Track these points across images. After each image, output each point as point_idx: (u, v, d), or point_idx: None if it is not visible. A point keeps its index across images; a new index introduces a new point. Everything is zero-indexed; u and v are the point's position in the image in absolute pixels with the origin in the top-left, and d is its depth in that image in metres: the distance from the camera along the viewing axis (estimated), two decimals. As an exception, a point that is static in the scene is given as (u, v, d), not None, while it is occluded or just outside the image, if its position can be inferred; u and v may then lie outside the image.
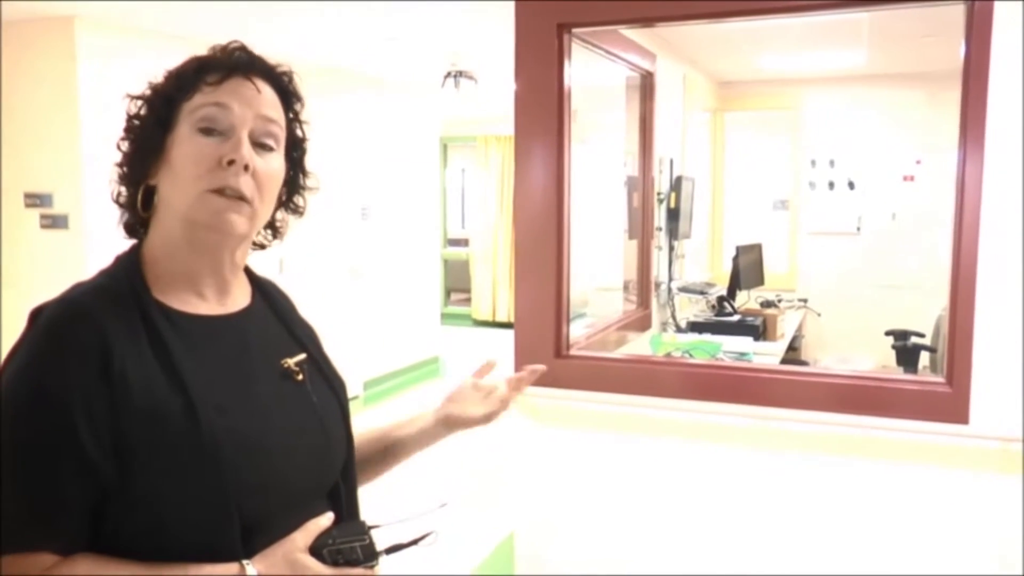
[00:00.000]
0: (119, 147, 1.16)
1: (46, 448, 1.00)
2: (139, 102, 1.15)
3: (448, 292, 11.31)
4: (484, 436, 5.67)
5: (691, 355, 3.40)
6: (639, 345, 3.81)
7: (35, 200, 4.64)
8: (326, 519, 1.14)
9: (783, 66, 5.43)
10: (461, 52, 5.68)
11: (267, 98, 1.20)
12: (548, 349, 2.71)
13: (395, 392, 7.34)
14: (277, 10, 4.44)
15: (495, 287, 10.50)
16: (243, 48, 1.21)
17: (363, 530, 1.13)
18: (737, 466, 2.45)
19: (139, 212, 1.15)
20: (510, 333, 2.78)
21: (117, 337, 1.04)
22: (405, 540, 1.18)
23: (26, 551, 0.99)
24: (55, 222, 4.53)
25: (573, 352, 2.77)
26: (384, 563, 1.18)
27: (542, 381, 2.68)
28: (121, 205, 1.18)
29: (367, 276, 7.21)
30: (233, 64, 1.17)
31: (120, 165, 1.16)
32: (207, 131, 1.11)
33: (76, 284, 1.12)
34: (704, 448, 2.49)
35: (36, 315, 1.07)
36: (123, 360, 1.03)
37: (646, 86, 3.89)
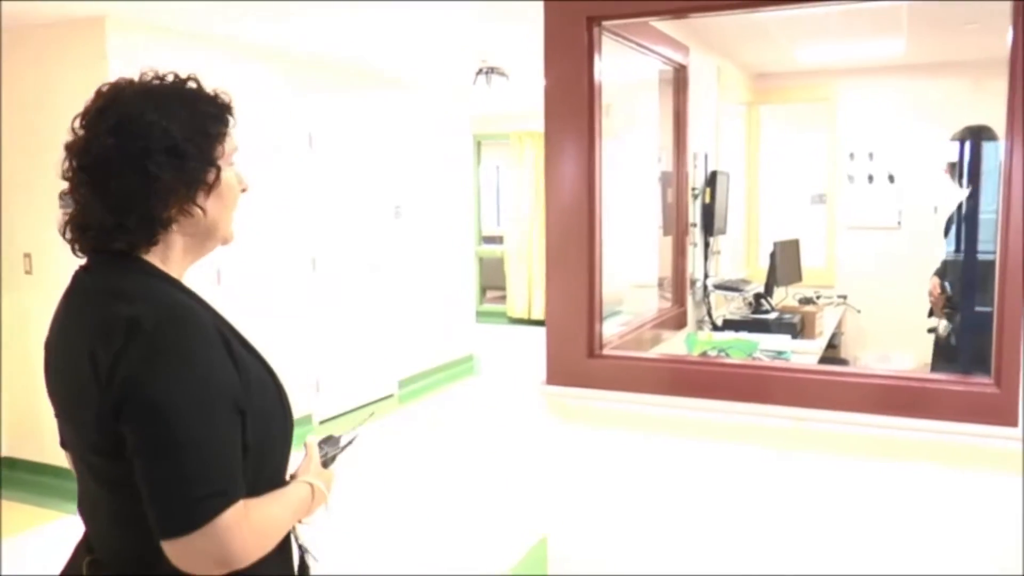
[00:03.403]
0: (136, 175, 1.26)
1: (227, 417, 1.24)
2: (183, 138, 1.29)
3: (483, 290, 11.32)
4: (515, 437, 5.71)
5: (727, 354, 3.35)
6: (674, 344, 3.76)
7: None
8: (313, 440, 1.55)
9: (819, 57, 5.33)
10: (492, 49, 5.66)
11: None
12: (580, 349, 2.68)
13: (430, 391, 7.35)
14: (308, 10, 4.45)
15: (530, 284, 10.48)
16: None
17: (336, 443, 1.61)
18: (773, 469, 2.40)
19: (159, 228, 1.31)
20: (544, 331, 2.76)
21: (214, 324, 1.30)
22: (349, 441, 1.62)
23: (235, 501, 1.22)
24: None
25: (606, 352, 2.74)
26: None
27: (574, 381, 2.70)
28: (126, 225, 1.28)
29: (400, 275, 7.22)
30: (230, 109, 1.40)
31: (160, 192, 1.27)
32: (231, 163, 1.38)
33: (128, 288, 1.28)
34: (740, 450, 2.45)
35: (136, 324, 1.22)
36: (228, 341, 1.30)
37: (679, 79, 3.84)
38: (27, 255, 4.97)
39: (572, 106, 2.61)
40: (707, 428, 2.48)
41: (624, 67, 3.54)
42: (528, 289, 10.53)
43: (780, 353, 3.60)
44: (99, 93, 1.33)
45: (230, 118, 1.38)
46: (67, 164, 1.32)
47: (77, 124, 1.32)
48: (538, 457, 3.69)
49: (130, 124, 1.27)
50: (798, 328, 4.29)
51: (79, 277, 1.35)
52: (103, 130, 1.28)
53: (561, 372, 2.71)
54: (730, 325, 4.25)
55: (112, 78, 1.34)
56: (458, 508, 4.62)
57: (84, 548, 1.39)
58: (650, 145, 4.18)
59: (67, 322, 1.33)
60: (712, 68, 4.57)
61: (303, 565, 1.55)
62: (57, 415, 1.39)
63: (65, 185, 1.36)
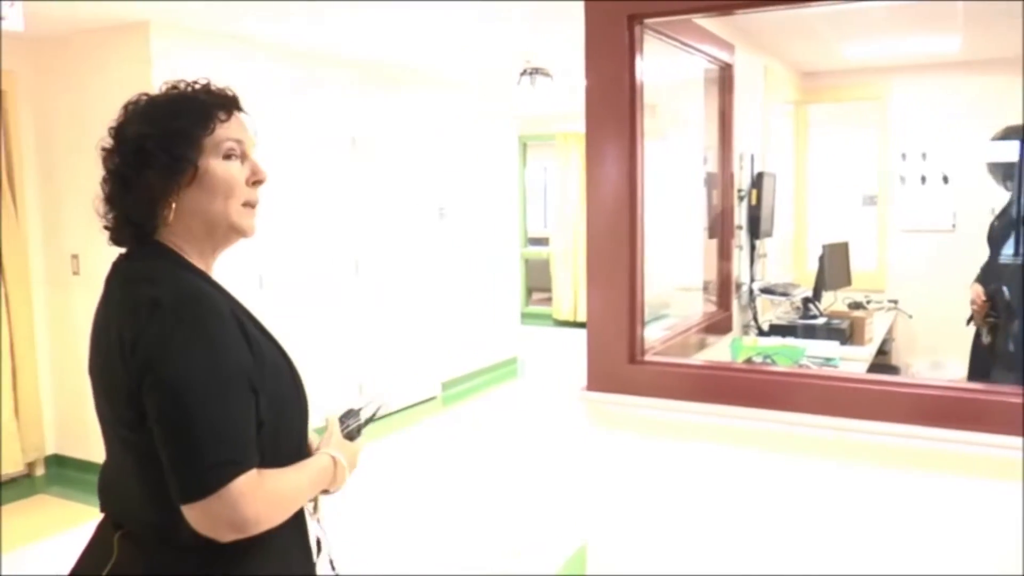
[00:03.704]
0: (128, 177, 1.42)
1: (240, 393, 1.35)
2: (150, 141, 1.41)
3: (529, 291, 11.32)
4: (557, 441, 5.66)
5: (772, 360, 3.27)
6: (719, 349, 3.69)
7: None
8: (333, 415, 1.64)
9: (870, 54, 5.20)
10: (536, 49, 5.63)
11: (246, 123, 1.53)
12: (621, 354, 2.64)
13: (473, 393, 7.34)
14: (350, 13, 4.45)
15: (576, 286, 10.44)
16: (221, 88, 1.52)
17: (357, 415, 1.66)
18: (819, 480, 2.33)
19: (159, 221, 1.43)
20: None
21: (230, 308, 1.41)
22: (371, 415, 1.69)
23: (247, 470, 1.32)
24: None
25: (647, 357, 2.69)
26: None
27: (615, 387, 2.65)
28: (133, 220, 1.44)
29: (444, 276, 7.22)
30: (228, 102, 1.49)
31: (142, 190, 1.41)
32: (228, 157, 1.46)
33: (154, 274, 1.40)
34: (784, 461, 2.38)
35: (157, 305, 1.33)
36: (242, 323, 1.41)
37: (724, 79, 3.77)
38: (75, 256, 5.05)
39: (613, 106, 2.57)
40: (751, 438, 2.42)
41: (669, 67, 3.49)
42: (574, 291, 10.49)
43: (828, 360, 3.51)
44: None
45: (219, 112, 1.46)
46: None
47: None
48: (578, 463, 3.64)
49: (113, 136, 1.47)
50: (847, 334, 4.18)
51: (116, 265, 1.49)
52: (116, 136, 1.47)
53: (602, 378, 2.67)
54: (776, 330, 4.16)
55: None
56: (498, 513, 4.58)
57: (110, 525, 1.48)
58: (696, 146, 4.11)
59: (104, 305, 1.46)
60: (759, 67, 4.48)
61: (318, 542, 1.64)
62: (93, 391, 1.49)
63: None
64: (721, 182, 3.92)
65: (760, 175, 4.23)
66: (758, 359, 3.32)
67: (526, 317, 9.95)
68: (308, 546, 1.59)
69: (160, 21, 4.59)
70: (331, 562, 1.65)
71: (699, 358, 3.49)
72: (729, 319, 4.03)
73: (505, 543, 4.18)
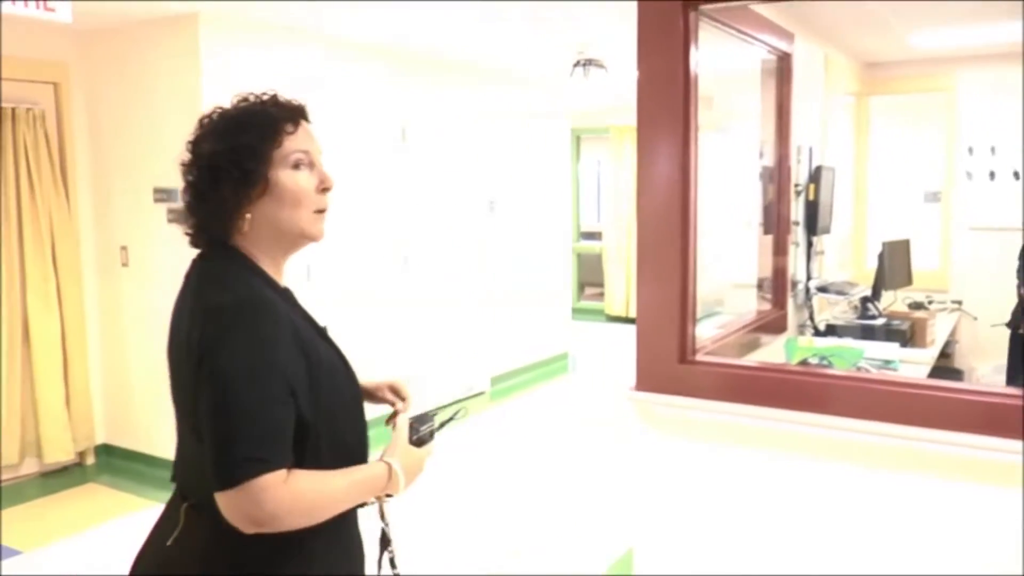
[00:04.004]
0: (203, 191, 1.53)
1: (280, 395, 1.43)
2: (222, 157, 1.52)
3: (582, 286, 11.25)
4: (605, 440, 5.57)
5: (829, 362, 3.17)
6: (773, 349, 3.60)
7: (162, 195, 4.81)
8: (404, 419, 1.71)
9: (938, 43, 5.02)
10: (590, 40, 5.56)
11: (313, 133, 1.63)
12: (671, 353, 2.57)
13: (521, 389, 7.30)
14: (402, 4, 4.43)
15: (629, 282, 10.33)
16: (288, 100, 1.62)
17: (429, 419, 1.70)
18: (876, 488, 2.24)
19: (233, 230, 1.54)
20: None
21: (288, 315, 1.52)
22: (446, 419, 1.75)
23: (275, 469, 1.40)
24: (179, 217, 4.64)
25: (699, 357, 2.62)
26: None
27: (665, 388, 2.59)
28: (208, 229, 1.56)
29: (495, 270, 7.19)
30: (294, 114, 1.59)
31: (216, 202, 1.52)
32: (296, 167, 1.56)
33: (225, 277, 1.52)
34: (840, 468, 2.30)
35: (218, 309, 1.45)
36: (298, 331, 1.51)
37: (783, 69, 3.67)
38: (123, 247, 5.11)
39: (666, 98, 2.50)
40: (806, 444, 2.33)
41: (726, 57, 3.40)
42: (627, 286, 10.40)
43: (887, 362, 3.40)
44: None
45: (287, 125, 1.56)
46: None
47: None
48: (626, 465, 3.57)
49: (190, 150, 1.57)
50: (908, 335, 4.05)
51: (195, 264, 1.60)
52: (193, 150, 1.58)
53: (651, 377, 2.61)
54: (833, 330, 4.05)
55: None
56: (543, 512, 4.54)
57: (179, 497, 1.60)
58: (751, 139, 4.02)
59: (181, 302, 1.57)
60: (819, 57, 4.36)
61: (384, 537, 1.75)
62: (169, 374, 1.60)
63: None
64: (778, 176, 3.82)
65: (818, 169, 4.12)
66: (814, 360, 3.23)
67: (577, 312, 9.89)
68: (351, 548, 1.67)
69: (209, 13, 4.61)
70: (392, 560, 1.75)
71: (752, 358, 3.40)
72: (784, 318, 3.93)
73: (549, 544, 4.13)
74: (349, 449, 1.59)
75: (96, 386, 5.32)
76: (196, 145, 1.57)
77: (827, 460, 2.31)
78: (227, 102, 1.62)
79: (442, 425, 1.72)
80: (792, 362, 3.28)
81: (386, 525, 1.74)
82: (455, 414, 1.76)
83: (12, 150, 4.80)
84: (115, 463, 5.30)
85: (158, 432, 5.06)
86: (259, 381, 1.42)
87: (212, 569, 1.51)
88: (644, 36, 2.51)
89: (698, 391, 2.51)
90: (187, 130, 1.63)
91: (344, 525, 1.60)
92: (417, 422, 1.69)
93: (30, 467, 5.07)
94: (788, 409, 2.34)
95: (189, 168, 1.57)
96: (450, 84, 6.52)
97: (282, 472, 1.42)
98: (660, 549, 2.64)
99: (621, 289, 10.50)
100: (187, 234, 1.60)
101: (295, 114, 1.59)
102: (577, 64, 6.05)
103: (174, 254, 4.97)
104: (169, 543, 1.56)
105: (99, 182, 5.22)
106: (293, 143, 1.55)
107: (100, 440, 5.37)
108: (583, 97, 8.16)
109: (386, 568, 1.75)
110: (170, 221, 4.76)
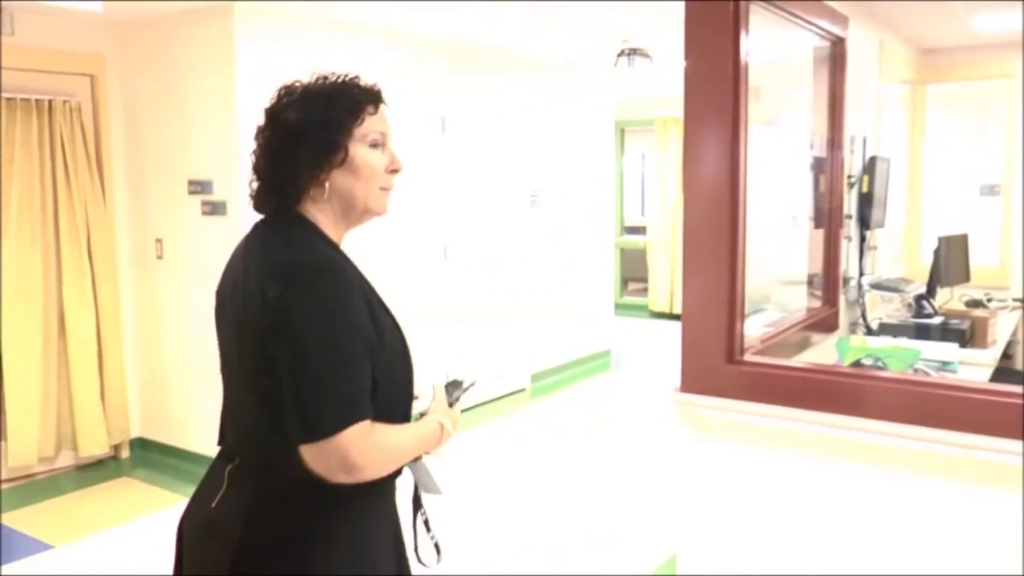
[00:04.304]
0: (281, 155, 1.64)
1: (359, 351, 1.54)
2: (309, 127, 1.63)
3: (625, 281, 11.18)
4: (649, 441, 5.50)
5: (884, 363, 3.06)
6: (824, 349, 3.49)
7: (197, 187, 4.80)
8: (440, 384, 1.84)
9: (1003, 26, 4.81)
10: (635, 29, 5.46)
11: (387, 117, 1.74)
12: (719, 353, 2.49)
13: (562, 386, 7.24)
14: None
15: (673, 277, 10.27)
16: (368, 83, 1.74)
17: (459, 386, 1.85)
18: (938, 501, 2.14)
19: (303, 195, 1.65)
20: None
21: (358, 279, 1.63)
22: (468, 387, 1.90)
23: (360, 420, 1.51)
24: (215, 208, 4.67)
25: (747, 357, 2.53)
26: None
27: (711, 389, 2.51)
28: (279, 192, 1.66)
29: (536, 265, 7.13)
30: (374, 97, 1.71)
31: (292, 168, 1.63)
32: (373, 146, 1.69)
33: (295, 241, 1.62)
34: (895, 477, 2.20)
35: (296, 268, 1.55)
36: (366, 293, 1.62)
37: (836, 55, 3.54)
38: (158, 240, 5.12)
39: (715, 88, 2.41)
40: (858, 450, 2.23)
41: (775, 45, 3.30)
42: (671, 282, 10.32)
43: (946, 364, 3.27)
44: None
45: (369, 106, 1.68)
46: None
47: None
48: (670, 468, 3.50)
49: (270, 116, 1.66)
50: (967, 335, 3.91)
51: (258, 228, 1.70)
52: (267, 123, 1.67)
53: (696, 378, 2.53)
54: (887, 329, 3.91)
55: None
56: (584, 515, 4.47)
57: (223, 459, 1.69)
58: (802, 129, 3.90)
59: (247, 262, 1.64)
60: (874, 42, 4.23)
61: (417, 499, 1.86)
62: (220, 336, 1.71)
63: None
64: (830, 168, 3.70)
65: (873, 160, 3.99)
66: (868, 361, 3.12)
67: (621, 308, 9.81)
68: (389, 509, 1.75)
69: (244, 5, 4.58)
70: (426, 523, 1.86)
71: (802, 358, 3.30)
72: (835, 316, 3.81)
73: (590, 548, 4.07)
74: (402, 409, 1.69)
75: (131, 380, 5.35)
76: (278, 113, 1.65)
77: (881, 468, 2.21)
78: (261, 94, 1.74)
79: (466, 390, 1.89)
80: (844, 363, 3.17)
81: (420, 487, 1.83)
82: (473, 384, 1.92)
83: (49, 142, 4.83)
84: (150, 457, 5.32)
85: (193, 427, 5.08)
86: (342, 338, 1.52)
87: (255, 529, 1.58)
88: (692, 23, 2.43)
89: (746, 393, 2.43)
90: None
91: (384, 485, 1.67)
92: (449, 387, 1.85)
93: (66, 460, 5.11)
94: (841, 414, 2.24)
95: (266, 133, 1.66)
96: (490, 74, 6.45)
97: (367, 423, 1.52)
98: (705, 556, 2.56)
99: (665, 285, 10.40)
100: (252, 196, 1.70)
101: (375, 97, 1.71)
102: (621, 54, 5.96)
103: (208, 247, 5.04)
104: (214, 505, 1.64)
105: (134, 174, 5.23)
106: (372, 123, 1.68)
107: (135, 434, 5.40)
108: (628, 88, 8.05)
109: (421, 530, 1.85)
110: (204, 214, 4.76)
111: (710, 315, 2.50)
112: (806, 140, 3.86)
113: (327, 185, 1.64)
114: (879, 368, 2.99)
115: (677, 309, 10.08)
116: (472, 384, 1.91)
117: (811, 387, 2.34)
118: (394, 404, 1.65)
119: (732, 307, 2.48)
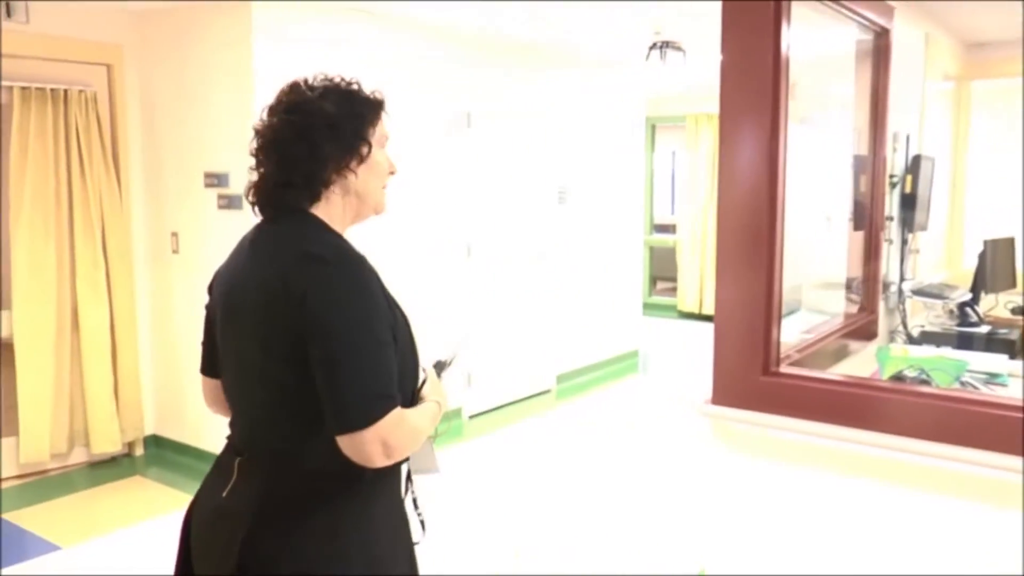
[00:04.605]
0: (323, 142, 1.67)
1: (388, 338, 1.61)
2: (344, 120, 1.69)
3: (653, 281, 11.07)
4: (673, 457, 5.32)
5: (928, 376, 2.93)
6: (863, 358, 3.36)
7: (213, 180, 4.73)
8: (430, 367, 1.90)
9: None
10: (667, 21, 5.33)
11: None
12: (754, 364, 2.38)
13: (589, 388, 7.13)
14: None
15: (702, 277, 10.15)
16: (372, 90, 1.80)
17: (444, 365, 1.97)
18: (992, 529, 2.02)
19: (322, 190, 1.70)
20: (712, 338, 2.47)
21: (374, 270, 1.66)
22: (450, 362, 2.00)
23: (396, 405, 1.58)
24: (231, 202, 4.60)
25: (785, 368, 2.42)
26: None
27: (745, 403, 2.40)
28: (300, 184, 1.67)
29: (562, 263, 7.02)
30: (383, 103, 1.79)
31: (319, 159, 1.67)
32: (383, 147, 1.79)
33: (322, 235, 1.67)
34: (944, 502, 2.08)
35: (326, 259, 1.60)
36: (381, 285, 1.66)
37: (880, 47, 3.41)
38: (174, 234, 5.06)
39: (753, 83, 2.31)
40: (908, 473, 2.11)
41: (814, 38, 3.17)
42: (700, 281, 10.19)
43: (994, 376, 3.13)
44: (282, 91, 1.73)
45: (383, 112, 1.78)
46: (255, 143, 1.70)
47: (265, 115, 1.72)
48: (699, 482, 3.40)
49: (301, 106, 1.68)
50: (1017, 346, 3.76)
51: (262, 228, 1.73)
52: (280, 111, 1.69)
53: (729, 391, 2.42)
54: (929, 338, 3.78)
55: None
56: (607, 525, 4.36)
57: (232, 452, 1.73)
58: (839, 127, 3.77)
59: (259, 259, 1.67)
60: (919, 36, 4.08)
61: (408, 475, 1.87)
62: (230, 333, 1.73)
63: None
64: (872, 167, 3.57)
65: (917, 159, 3.84)
66: (911, 373, 2.99)
67: (649, 308, 9.70)
68: (396, 488, 1.80)
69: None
70: (415, 501, 1.88)
71: (841, 369, 3.18)
72: (874, 323, 3.68)
73: (614, 560, 3.96)
74: (410, 395, 1.75)
75: (146, 376, 5.30)
76: (308, 104, 1.68)
77: (930, 494, 2.09)
78: (279, 86, 1.74)
79: (448, 366, 2.00)
80: (885, 374, 3.05)
81: (417, 468, 1.89)
82: (454, 358, 2.01)
83: (64, 132, 4.78)
84: (164, 455, 5.27)
85: (208, 425, 5.01)
86: (375, 328, 1.58)
87: (266, 516, 1.62)
88: (729, 16, 2.33)
89: (783, 407, 2.32)
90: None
91: (396, 466, 1.73)
92: (438, 367, 1.96)
93: (79, 456, 5.07)
94: (888, 433, 2.12)
95: (295, 125, 1.67)
96: (518, 68, 6.34)
97: (399, 408, 1.59)
98: (732, 574, 2.45)
99: (694, 285, 10.28)
100: (261, 190, 1.70)
101: (383, 102, 1.80)
102: (653, 47, 5.83)
103: (224, 241, 4.89)
104: (224, 494, 1.69)
105: (150, 166, 5.17)
106: (383, 127, 1.78)
107: (149, 431, 5.35)
108: (659, 83, 7.92)
109: (410, 507, 1.86)
110: (220, 207, 4.69)
111: (745, 323, 2.39)
112: (844, 138, 3.74)
113: (350, 179, 1.70)
114: (925, 381, 2.86)
115: (706, 310, 10.04)
116: (454, 358, 2.01)
117: (855, 403, 2.22)
118: (406, 391, 1.70)
119: (768, 316, 2.37)
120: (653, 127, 10.46)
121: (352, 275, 1.60)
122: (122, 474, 5.01)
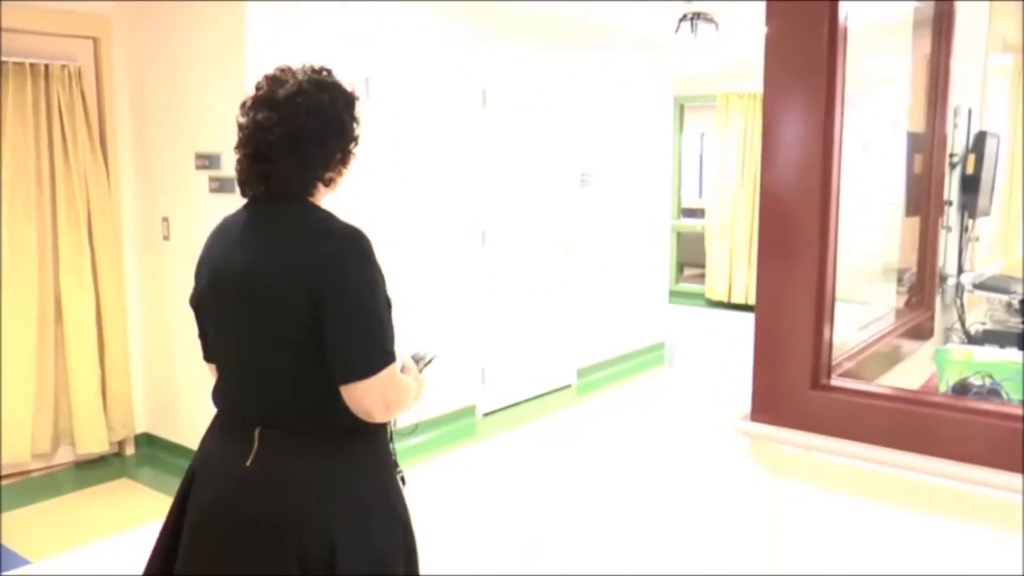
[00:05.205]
0: (324, 134, 1.87)
1: (388, 305, 1.87)
2: (345, 112, 1.92)
3: (680, 267, 10.86)
4: (707, 489, 4.96)
5: (997, 384, 2.63)
6: (918, 361, 3.09)
7: (204, 161, 4.50)
8: (408, 356, 2.08)
9: None
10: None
11: None
12: (801, 376, 2.11)
13: (612, 382, 6.90)
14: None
15: (732, 264, 9.92)
16: None
17: (421, 359, 2.13)
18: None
19: (319, 180, 1.90)
20: (745, 316, 2.21)
21: None
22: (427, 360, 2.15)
23: (394, 360, 1.84)
24: (223, 185, 4.38)
25: (837, 381, 2.14)
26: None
27: (791, 420, 2.12)
28: (301, 174, 1.86)
29: (584, 250, 6.76)
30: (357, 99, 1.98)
31: (324, 152, 1.88)
32: None
33: (326, 216, 1.87)
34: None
35: (342, 231, 1.83)
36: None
37: (943, 13, 3.11)
38: (165, 219, 4.84)
39: (804, 56, 2.03)
40: (989, 510, 1.83)
41: (866, 6, 2.89)
42: (729, 269, 9.95)
43: (1071, 385, 2.84)
44: (274, 80, 1.89)
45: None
46: (264, 137, 1.85)
47: (248, 104, 1.91)
48: (734, 506, 3.15)
49: (318, 110, 1.85)
50: (1092, 348, 3.46)
51: (256, 208, 1.90)
52: (300, 112, 1.83)
53: (772, 406, 2.14)
54: (991, 337, 3.48)
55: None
56: (628, 535, 4.11)
57: (245, 424, 1.86)
58: (893, 103, 3.48)
59: (266, 237, 1.84)
60: (983, 3, 3.77)
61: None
62: (236, 306, 1.86)
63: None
64: (930, 145, 3.27)
65: (981, 135, 3.52)
66: (976, 380, 2.69)
67: (676, 296, 9.46)
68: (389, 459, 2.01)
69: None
70: (402, 479, 2.04)
71: (895, 374, 2.89)
72: (930, 320, 3.39)
73: (631, 572, 3.72)
74: None
75: (136, 370, 5.08)
76: (306, 94, 1.85)
77: (1015, 535, 1.81)
78: (274, 62, 1.93)
79: (427, 364, 2.13)
80: (943, 381, 2.76)
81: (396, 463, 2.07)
82: (432, 359, 2.14)
83: (46, 111, 4.56)
84: (156, 455, 5.06)
85: (203, 423, 4.78)
86: (378, 290, 1.82)
87: (298, 480, 1.81)
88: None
89: (834, 427, 2.04)
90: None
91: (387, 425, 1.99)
92: (415, 359, 2.09)
93: (64, 456, 4.88)
94: (963, 462, 1.84)
95: (300, 116, 1.83)
96: (536, 43, 6.05)
97: (396, 364, 1.84)
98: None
99: (724, 272, 10.02)
100: (265, 179, 1.87)
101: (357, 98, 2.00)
102: (683, 19, 5.54)
103: (213, 223, 4.71)
104: (248, 463, 1.83)
105: (140, 147, 4.94)
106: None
107: (141, 429, 5.14)
108: (689, 60, 7.62)
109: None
110: (212, 191, 4.45)
111: (791, 329, 2.11)
112: (898, 115, 3.44)
113: (340, 172, 1.94)
114: (995, 391, 2.56)
115: (735, 299, 9.80)
116: (433, 358, 2.15)
117: (927, 424, 1.93)
118: None
119: (820, 320, 2.09)
120: (681, 107, 10.20)
121: (361, 246, 1.81)
122: (109, 476, 4.79)
